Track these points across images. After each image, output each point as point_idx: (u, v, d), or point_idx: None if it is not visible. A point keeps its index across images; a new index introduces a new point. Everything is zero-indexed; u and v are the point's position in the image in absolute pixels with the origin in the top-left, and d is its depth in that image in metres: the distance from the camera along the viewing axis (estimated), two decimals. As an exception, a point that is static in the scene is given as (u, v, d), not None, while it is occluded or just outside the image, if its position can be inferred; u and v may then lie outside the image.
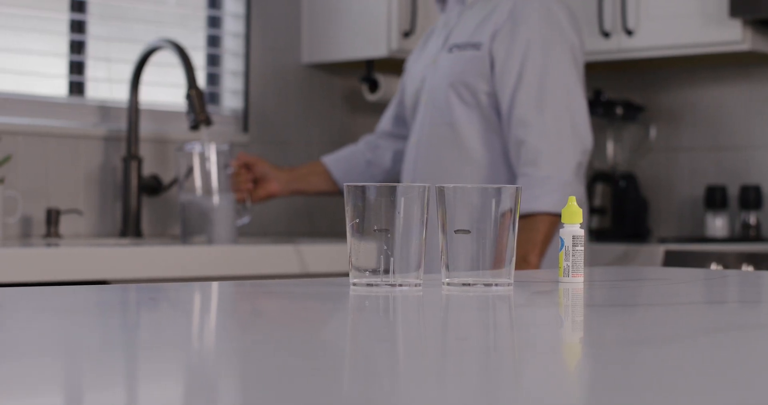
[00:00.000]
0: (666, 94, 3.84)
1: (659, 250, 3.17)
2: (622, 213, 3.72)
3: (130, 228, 3.22)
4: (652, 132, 3.81)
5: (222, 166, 3.01)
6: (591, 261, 3.22)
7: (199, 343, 1.05)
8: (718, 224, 3.63)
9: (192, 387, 0.82)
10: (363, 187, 1.42)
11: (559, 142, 2.79)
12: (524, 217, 2.70)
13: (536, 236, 2.73)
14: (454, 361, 0.95)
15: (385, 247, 1.40)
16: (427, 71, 3.00)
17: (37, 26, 3.30)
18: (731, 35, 3.33)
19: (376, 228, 1.41)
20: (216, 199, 2.99)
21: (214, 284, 1.56)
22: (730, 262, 3.06)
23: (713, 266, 3.06)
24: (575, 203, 1.54)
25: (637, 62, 3.70)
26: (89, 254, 2.54)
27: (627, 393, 0.80)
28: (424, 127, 2.96)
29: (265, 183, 3.13)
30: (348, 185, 1.43)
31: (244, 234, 3.45)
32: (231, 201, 3.02)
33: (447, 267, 1.44)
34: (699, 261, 3.09)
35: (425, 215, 1.43)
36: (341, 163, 3.20)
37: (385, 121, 3.22)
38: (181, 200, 3.03)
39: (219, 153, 3.02)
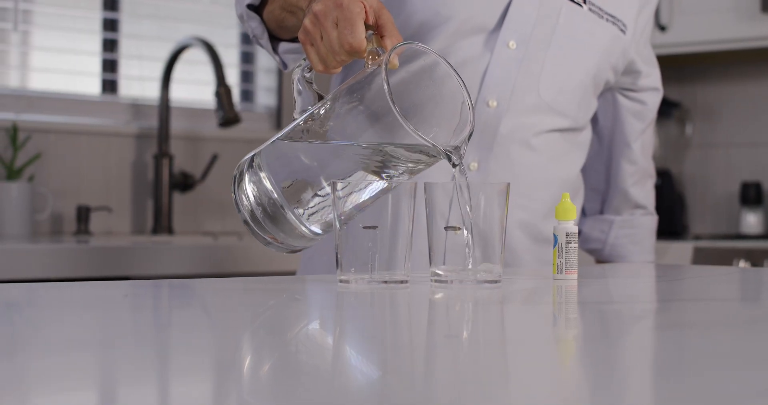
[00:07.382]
0: (701, 90, 3.81)
1: (688, 247, 3.14)
2: (658, 210, 3.67)
3: (162, 225, 3.24)
4: (688, 128, 3.78)
5: None
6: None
7: (188, 340, 1.05)
8: (752, 220, 3.60)
9: (187, 386, 0.83)
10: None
11: None
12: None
13: None
14: (442, 358, 0.95)
15: (372, 244, 1.40)
16: None
17: (70, 25, 3.33)
18: (764, 30, 3.30)
19: (363, 224, 1.41)
20: None
21: (209, 281, 1.56)
22: (759, 258, 3.03)
23: (741, 263, 3.03)
24: (569, 200, 1.53)
25: (672, 58, 3.67)
26: (119, 251, 2.55)
27: (621, 391, 0.80)
28: None
29: None
30: (333, 182, 1.43)
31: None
32: None
33: (435, 263, 1.44)
34: (727, 258, 3.06)
35: (413, 212, 1.42)
36: None
37: None
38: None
39: None
